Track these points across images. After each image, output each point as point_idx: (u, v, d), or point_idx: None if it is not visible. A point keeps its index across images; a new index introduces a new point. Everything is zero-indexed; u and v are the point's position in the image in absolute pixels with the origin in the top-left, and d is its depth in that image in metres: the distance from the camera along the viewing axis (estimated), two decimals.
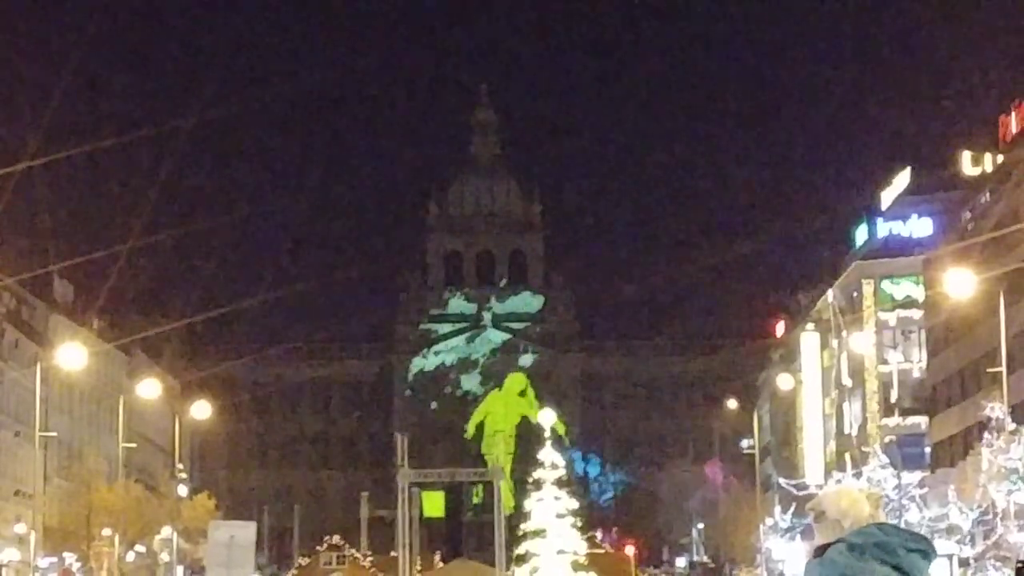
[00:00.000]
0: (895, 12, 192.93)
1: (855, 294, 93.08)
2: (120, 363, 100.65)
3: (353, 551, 66.63)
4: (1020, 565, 28.11)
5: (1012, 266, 58.12)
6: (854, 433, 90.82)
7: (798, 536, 75.53)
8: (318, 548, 66.29)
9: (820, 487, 64.06)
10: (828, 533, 5.62)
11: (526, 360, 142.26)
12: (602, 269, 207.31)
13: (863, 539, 5.34)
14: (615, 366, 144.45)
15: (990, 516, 51.56)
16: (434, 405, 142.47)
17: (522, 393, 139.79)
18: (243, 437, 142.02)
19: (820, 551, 5.50)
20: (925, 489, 61.56)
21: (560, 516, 46.12)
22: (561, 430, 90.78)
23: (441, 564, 65.49)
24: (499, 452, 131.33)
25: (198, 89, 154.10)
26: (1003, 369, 56.60)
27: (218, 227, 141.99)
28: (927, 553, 5.36)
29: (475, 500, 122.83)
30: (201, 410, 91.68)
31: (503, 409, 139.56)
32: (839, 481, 61.46)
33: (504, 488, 57.33)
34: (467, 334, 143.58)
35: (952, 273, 51.61)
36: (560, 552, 45.71)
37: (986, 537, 51.57)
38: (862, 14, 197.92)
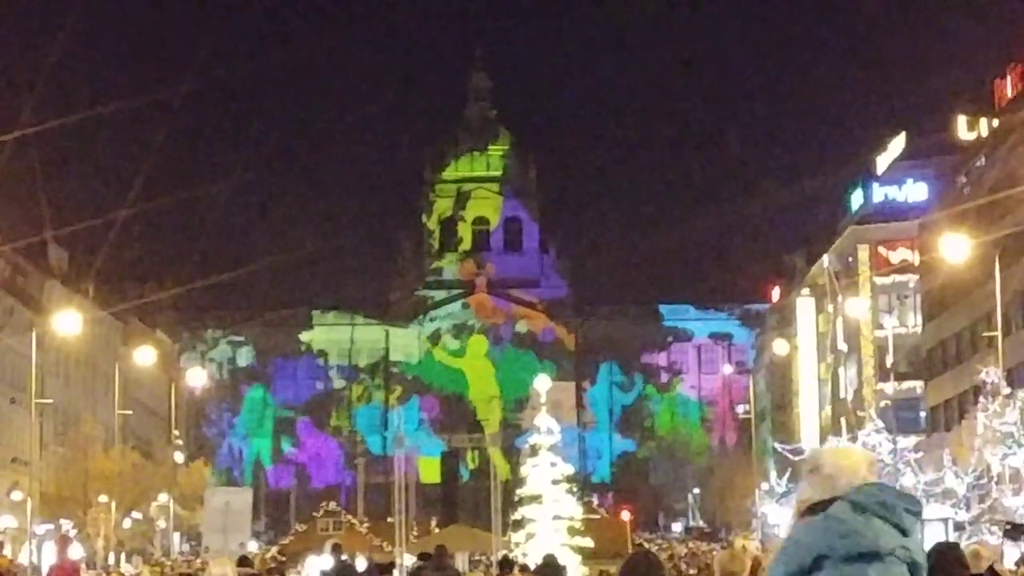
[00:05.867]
0: None
1: (850, 259, 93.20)
2: (115, 330, 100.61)
3: (350, 517, 66.74)
4: (1008, 527, 28.25)
5: (1007, 230, 58.20)
6: (850, 398, 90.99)
7: (794, 500, 75.65)
8: (314, 514, 66.36)
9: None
10: (820, 489, 5.56)
11: (521, 326, 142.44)
12: (597, 234, 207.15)
13: (866, 498, 5.28)
14: (610, 331, 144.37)
15: (985, 480, 51.65)
16: (430, 371, 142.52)
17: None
18: (244, 404, 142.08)
19: (814, 509, 5.42)
20: (920, 453, 61.61)
21: (556, 482, 46.14)
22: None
23: (437, 529, 65.52)
24: (493, 418, 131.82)
25: (193, 56, 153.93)
26: (998, 333, 56.67)
27: (214, 194, 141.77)
28: (919, 514, 5.37)
29: (471, 466, 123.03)
30: (197, 377, 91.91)
31: (487, 375, 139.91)
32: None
33: (495, 454, 57.39)
34: (462, 300, 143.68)
35: (947, 237, 51.56)
36: (556, 517, 45.74)
37: (981, 501, 51.64)
38: None
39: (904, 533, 5.28)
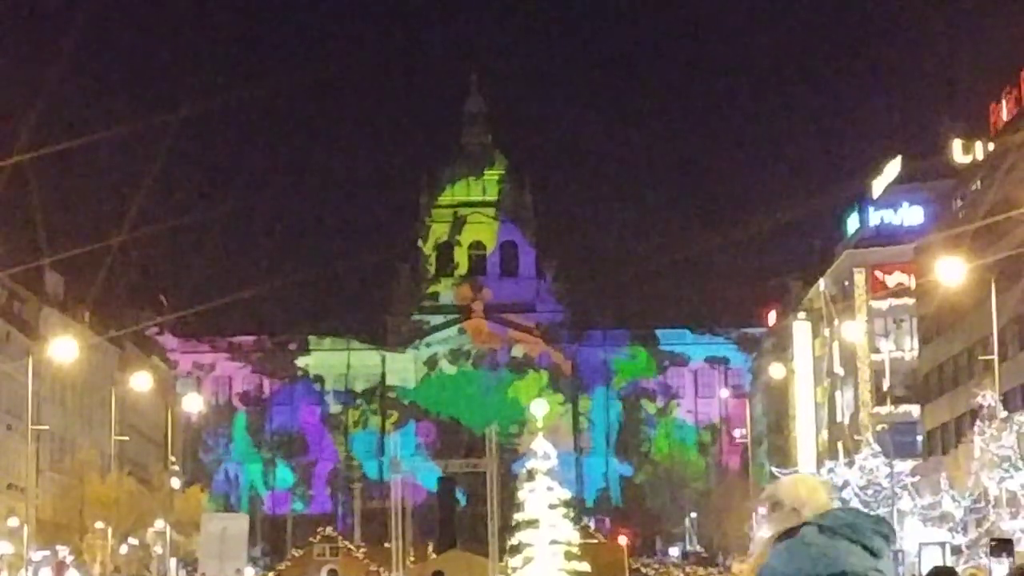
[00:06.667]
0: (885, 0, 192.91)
1: (847, 283, 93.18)
2: (112, 355, 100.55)
3: (346, 543, 66.58)
4: (994, 543, 28.36)
5: (1003, 254, 58.22)
6: (846, 421, 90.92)
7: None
8: (311, 539, 66.21)
9: (813, 475, 64.07)
10: (785, 523, 5.55)
11: (517, 351, 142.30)
12: (594, 258, 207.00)
13: (832, 521, 5.32)
14: (606, 355, 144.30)
15: (982, 504, 51.63)
16: (426, 396, 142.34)
17: (511, 389, 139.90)
18: (238, 429, 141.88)
19: (783, 537, 5.41)
20: (917, 477, 61.61)
21: (553, 506, 46.12)
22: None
23: (434, 555, 65.42)
24: (492, 443, 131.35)
25: (188, 81, 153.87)
26: (995, 357, 56.69)
27: (209, 220, 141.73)
28: (888, 537, 5.39)
29: (467, 491, 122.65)
30: (193, 403, 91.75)
31: (483, 400, 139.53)
32: (831, 470, 61.61)
33: (492, 479, 57.26)
34: (458, 325, 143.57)
35: (943, 261, 51.65)
36: (553, 542, 45.72)
37: (978, 525, 51.61)
38: (852, 2, 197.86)
39: (874, 554, 5.28)
